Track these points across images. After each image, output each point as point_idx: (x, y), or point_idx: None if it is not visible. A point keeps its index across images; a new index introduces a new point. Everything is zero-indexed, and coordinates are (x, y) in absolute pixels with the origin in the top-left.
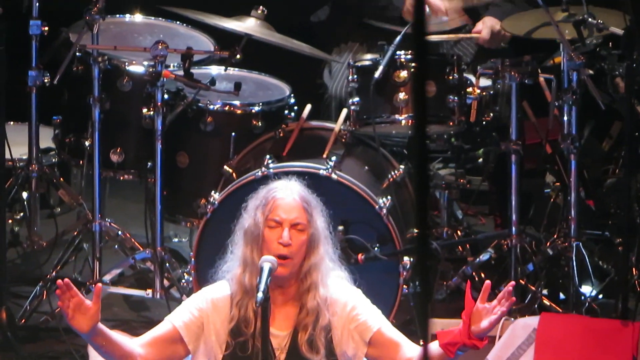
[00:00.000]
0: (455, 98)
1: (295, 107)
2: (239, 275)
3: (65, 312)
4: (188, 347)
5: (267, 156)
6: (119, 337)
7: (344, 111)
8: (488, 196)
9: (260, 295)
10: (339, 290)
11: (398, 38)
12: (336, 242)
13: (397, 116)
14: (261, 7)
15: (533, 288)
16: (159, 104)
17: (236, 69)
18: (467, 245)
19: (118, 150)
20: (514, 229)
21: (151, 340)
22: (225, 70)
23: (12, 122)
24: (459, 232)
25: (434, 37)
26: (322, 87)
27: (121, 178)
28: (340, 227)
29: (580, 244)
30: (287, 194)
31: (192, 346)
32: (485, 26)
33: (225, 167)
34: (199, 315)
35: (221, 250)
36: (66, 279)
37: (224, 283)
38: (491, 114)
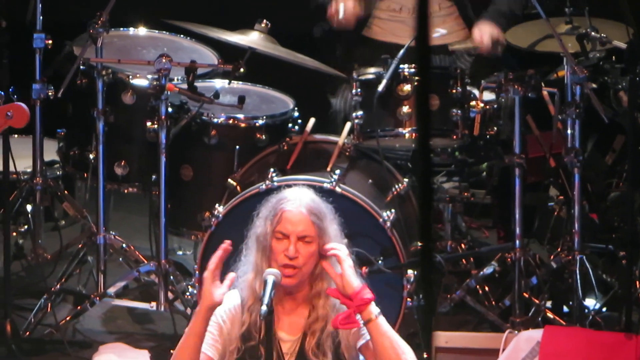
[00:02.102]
0: (459, 111)
1: (299, 121)
2: (250, 280)
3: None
4: None
5: (271, 169)
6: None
7: (348, 124)
8: (491, 209)
9: (264, 308)
10: None
11: (401, 51)
12: (350, 248)
13: (400, 129)
14: (265, 20)
15: (537, 301)
16: (163, 117)
17: (240, 82)
18: (471, 259)
19: (122, 163)
20: (517, 242)
21: None
22: (229, 83)
23: (16, 135)
24: (462, 246)
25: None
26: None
27: (125, 191)
28: (344, 240)
29: (584, 257)
30: (294, 206)
31: None
32: (484, 33)
33: (230, 180)
34: (221, 338)
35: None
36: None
37: (234, 292)
38: (495, 128)
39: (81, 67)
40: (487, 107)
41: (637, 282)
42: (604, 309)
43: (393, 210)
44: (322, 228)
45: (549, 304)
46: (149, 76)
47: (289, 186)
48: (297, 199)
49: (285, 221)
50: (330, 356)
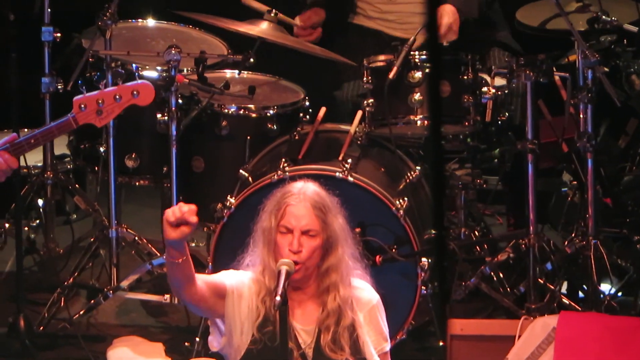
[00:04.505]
0: (470, 98)
1: (310, 110)
2: (259, 274)
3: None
4: (224, 308)
5: (283, 159)
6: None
7: (359, 113)
8: (503, 196)
9: (278, 298)
10: (363, 292)
11: (412, 38)
12: (357, 240)
13: (412, 117)
14: (274, 10)
15: (552, 287)
16: (173, 108)
17: (250, 72)
18: (485, 246)
19: (133, 156)
20: (531, 228)
21: (207, 281)
22: (239, 73)
23: (26, 129)
24: (476, 232)
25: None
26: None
27: (137, 183)
28: (357, 229)
29: (598, 242)
30: (298, 200)
31: (228, 310)
32: (444, 22)
33: (241, 171)
34: (241, 284)
35: (238, 254)
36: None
37: (247, 273)
38: (506, 114)
39: (90, 59)
40: (499, 93)
41: None
42: (619, 294)
43: (406, 199)
44: (326, 222)
45: (564, 289)
46: (159, 68)
47: (294, 179)
48: (301, 193)
49: (289, 215)
50: (348, 350)
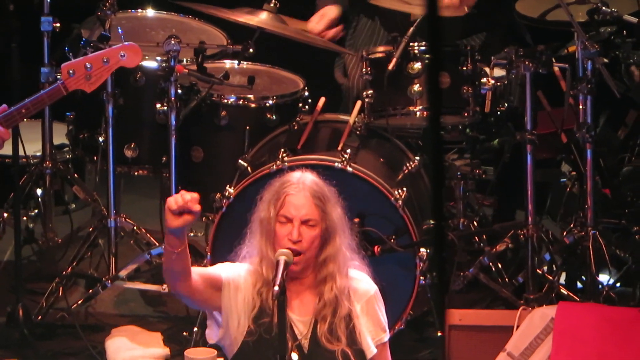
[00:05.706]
0: (470, 89)
1: (309, 100)
2: (256, 265)
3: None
4: (220, 300)
5: (282, 149)
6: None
7: (358, 103)
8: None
9: (276, 288)
10: (361, 283)
11: (411, 29)
12: (355, 231)
13: (411, 108)
14: (273, 0)
15: (550, 277)
16: (173, 98)
17: (249, 62)
18: (484, 236)
19: (132, 146)
20: (530, 219)
21: (201, 273)
22: (239, 64)
23: (25, 119)
24: (475, 223)
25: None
26: (339, 87)
27: (136, 173)
28: (356, 220)
29: (597, 232)
30: (297, 189)
31: (224, 302)
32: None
33: (240, 161)
34: (237, 276)
35: (237, 244)
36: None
37: (244, 265)
38: (506, 104)
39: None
40: (498, 83)
41: None
42: (618, 285)
43: (405, 189)
44: (325, 212)
45: (562, 280)
46: (158, 58)
47: (293, 169)
48: (300, 183)
49: (288, 205)
50: (344, 340)
